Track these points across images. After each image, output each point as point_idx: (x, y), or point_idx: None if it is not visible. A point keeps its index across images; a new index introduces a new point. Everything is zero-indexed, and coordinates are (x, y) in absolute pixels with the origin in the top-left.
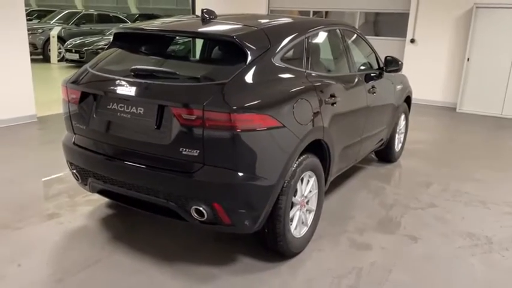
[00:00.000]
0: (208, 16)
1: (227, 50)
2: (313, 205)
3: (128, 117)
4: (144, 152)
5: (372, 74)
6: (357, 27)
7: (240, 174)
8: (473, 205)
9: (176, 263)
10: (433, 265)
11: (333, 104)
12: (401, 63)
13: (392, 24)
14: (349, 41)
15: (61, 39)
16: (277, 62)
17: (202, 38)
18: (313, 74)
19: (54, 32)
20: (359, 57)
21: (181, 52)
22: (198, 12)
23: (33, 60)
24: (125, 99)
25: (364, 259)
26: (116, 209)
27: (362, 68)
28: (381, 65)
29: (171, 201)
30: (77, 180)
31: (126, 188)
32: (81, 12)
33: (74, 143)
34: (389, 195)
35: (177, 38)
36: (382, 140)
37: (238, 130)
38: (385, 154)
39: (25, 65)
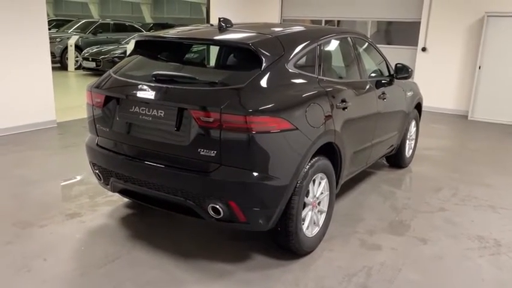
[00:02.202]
0: (225, 25)
1: (243, 57)
2: (324, 206)
3: (149, 120)
4: (164, 152)
5: (382, 81)
6: (368, 36)
7: (255, 174)
8: (482, 209)
9: (192, 259)
10: (441, 265)
11: (344, 108)
12: (411, 70)
13: (404, 32)
14: (360, 49)
15: (78, 48)
16: (290, 68)
17: (219, 46)
18: (325, 80)
19: (72, 41)
20: (370, 64)
21: (199, 59)
22: (213, 21)
23: (52, 68)
24: (146, 102)
25: (374, 259)
26: (135, 208)
27: (373, 74)
28: (392, 72)
29: (189, 199)
30: (99, 180)
31: (146, 187)
32: (98, 22)
33: (97, 144)
34: (400, 199)
35: (196, 45)
36: (392, 145)
37: (253, 132)
38: (396, 159)
39: (46, 73)
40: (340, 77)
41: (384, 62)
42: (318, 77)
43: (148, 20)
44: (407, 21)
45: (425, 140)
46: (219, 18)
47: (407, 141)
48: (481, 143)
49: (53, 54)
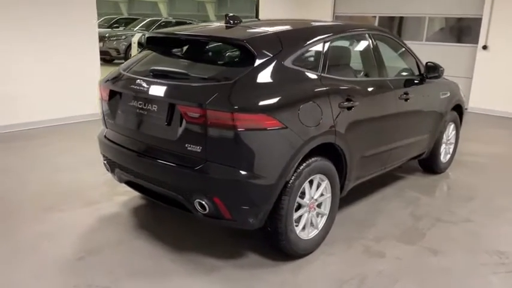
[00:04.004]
0: (233, 21)
1: (238, 53)
2: (325, 209)
3: (144, 114)
4: (157, 146)
5: (408, 80)
6: (424, 32)
7: (239, 171)
8: None
9: (188, 253)
10: (446, 279)
11: (349, 108)
12: (443, 69)
13: (463, 30)
14: (381, 46)
15: (141, 45)
16: (288, 65)
17: (215, 42)
18: (328, 78)
19: (135, 38)
20: (394, 62)
21: (199, 54)
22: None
23: (116, 64)
24: (142, 97)
25: (373, 267)
26: (148, 200)
27: (397, 73)
28: (422, 72)
29: (179, 193)
30: (107, 170)
31: (143, 179)
32: (160, 20)
33: (104, 136)
34: (423, 206)
35: (196, 41)
36: (422, 149)
37: (237, 129)
38: (429, 164)
39: (95, 69)
40: (350, 76)
41: (414, 60)
42: (321, 75)
43: (213, 18)
44: (467, 18)
45: (474, 145)
46: (226, 15)
47: (444, 145)
48: None
49: (118, 51)
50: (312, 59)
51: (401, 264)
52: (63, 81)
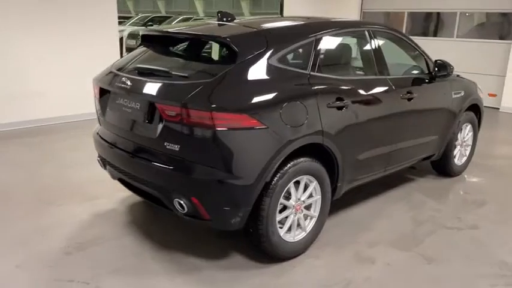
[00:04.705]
0: (226, 19)
1: (222, 51)
2: (315, 211)
3: (129, 111)
4: (140, 144)
5: (411, 79)
6: (455, 28)
7: (216, 171)
8: None
9: (173, 252)
10: None
11: (340, 108)
12: (452, 67)
13: (497, 25)
14: (383, 44)
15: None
16: (273, 63)
17: (201, 40)
18: (317, 77)
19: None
20: (398, 60)
21: (186, 52)
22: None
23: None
24: (127, 94)
25: (360, 273)
26: None
27: (402, 72)
28: (431, 70)
29: (160, 192)
30: (101, 167)
31: (129, 177)
32: (191, 18)
33: (97, 133)
34: (428, 210)
35: (183, 39)
36: (431, 151)
37: (214, 128)
38: (442, 167)
39: None
40: (344, 74)
41: (423, 58)
42: (310, 74)
43: (247, 15)
44: (502, 12)
45: (501, 147)
46: (218, 13)
47: (458, 147)
48: None
49: None
50: (301, 57)
51: (391, 271)
52: (80, 78)
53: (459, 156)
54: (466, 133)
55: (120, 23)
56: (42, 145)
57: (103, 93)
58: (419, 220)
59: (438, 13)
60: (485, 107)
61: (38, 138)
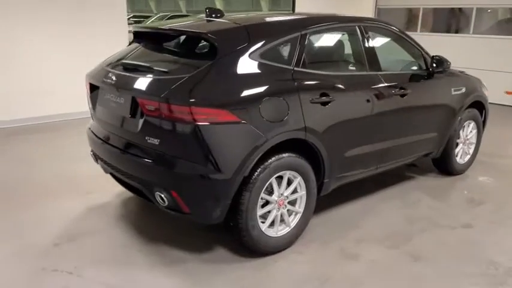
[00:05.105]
0: (215, 15)
1: (203, 46)
2: (300, 207)
3: (115, 106)
4: (124, 138)
5: (405, 75)
6: (472, 25)
7: (192, 165)
8: None
9: (160, 244)
10: (417, 287)
11: (324, 104)
12: (449, 63)
13: None
14: (376, 39)
15: None
16: (256, 58)
17: (184, 36)
18: (302, 72)
19: None
20: (393, 56)
21: (171, 48)
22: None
23: None
24: (113, 89)
25: (342, 269)
26: None
27: (396, 67)
28: (429, 66)
29: (142, 185)
30: (94, 161)
31: (116, 171)
32: None
33: (89, 128)
34: (423, 209)
35: (168, 35)
36: (428, 148)
37: (191, 123)
38: (443, 165)
39: None
40: (330, 70)
41: (421, 54)
42: (294, 69)
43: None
44: None
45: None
46: (206, 9)
47: (461, 145)
48: None
49: None
50: (285, 52)
51: (374, 268)
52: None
53: (462, 155)
54: (469, 131)
55: (139, 22)
56: (46, 141)
57: (93, 89)
58: (412, 218)
59: (454, 9)
60: (502, 105)
61: (43, 135)
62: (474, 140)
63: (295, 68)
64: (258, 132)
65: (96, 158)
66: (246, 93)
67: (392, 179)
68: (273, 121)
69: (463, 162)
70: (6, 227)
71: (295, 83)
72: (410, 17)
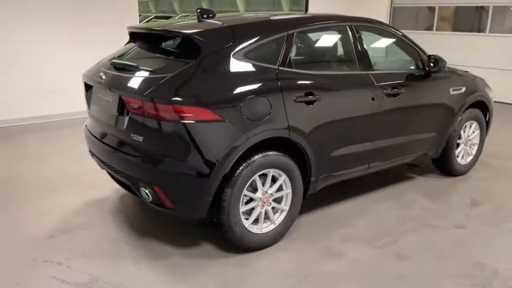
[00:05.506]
0: (206, 15)
1: (189, 46)
2: (285, 205)
3: (105, 104)
4: (113, 135)
5: (399, 74)
6: (488, 23)
7: (173, 162)
8: None
9: (150, 239)
10: (395, 285)
11: (309, 103)
12: (445, 62)
13: None
14: (368, 38)
15: None
16: (238, 57)
17: (171, 36)
18: (287, 71)
19: None
20: (387, 55)
21: (159, 48)
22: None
23: None
24: (103, 88)
25: (324, 266)
26: None
27: (390, 67)
28: (426, 65)
29: (130, 181)
30: (92, 158)
31: (108, 167)
32: None
33: (85, 125)
34: (416, 209)
35: (157, 35)
36: (425, 149)
37: (170, 121)
38: (443, 166)
39: None
40: (317, 69)
41: (417, 53)
42: (279, 69)
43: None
44: None
45: None
46: (197, 9)
47: (462, 146)
48: None
49: None
50: (270, 52)
51: (356, 266)
52: None
53: (464, 155)
54: (471, 131)
55: None
56: (55, 139)
57: (88, 87)
58: (404, 218)
59: (470, 7)
60: None
61: (52, 132)
62: (477, 141)
63: (280, 68)
64: (238, 130)
65: (92, 154)
66: (227, 92)
67: (390, 179)
68: (255, 120)
69: (465, 163)
70: (5, 219)
71: (279, 82)
72: (426, 15)
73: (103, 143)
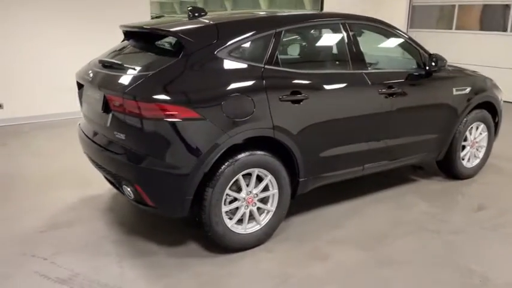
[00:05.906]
0: (198, 14)
1: (174, 44)
2: (272, 205)
3: (93, 102)
4: (99, 133)
5: (396, 73)
6: (509, 22)
7: (153, 160)
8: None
9: (135, 237)
10: None
11: (295, 102)
12: (445, 61)
13: None
14: (364, 37)
15: None
16: (223, 55)
17: (157, 34)
18: (273, 70)
19: None
20: (384, 54)
21: (147, 46)
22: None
23: None
24: (91, 86)
25: (307, 269)
26: None
27: (388, 66)
28: (427, 64)
29: (114, 179)
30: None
31: (95, 165)
32: None
33: (79, 124)
34: (415, 213)
35: (145, 34)
36: (426, 151)
37: (150, 118)
38: (448, 169)
39: None
40: (306, 68)
41: (418, 52)
42: (264, 67)
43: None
44: None
45: None
46: (188, 8)
47: (468, 148)
48: None
49: None
50: (256, 50)
51: (340, 269)
52: None
53: (470, 158)
54: (477, 133)
55: None
56: (62, 136)
57: (80, 86)
58: (400, 221)
59: (490, 5)
60: None
61: (61, 130)
62: (484, 143)
63: (266, 66)
64: (219, 129)
65: (84, 153)
66: (208, 90)
67: (393, 180)
68: (236, 119)
69: (471, 166)
70: (4, 212)
71: (264, 81)
72: (445, 13)
73: (92, 141)
